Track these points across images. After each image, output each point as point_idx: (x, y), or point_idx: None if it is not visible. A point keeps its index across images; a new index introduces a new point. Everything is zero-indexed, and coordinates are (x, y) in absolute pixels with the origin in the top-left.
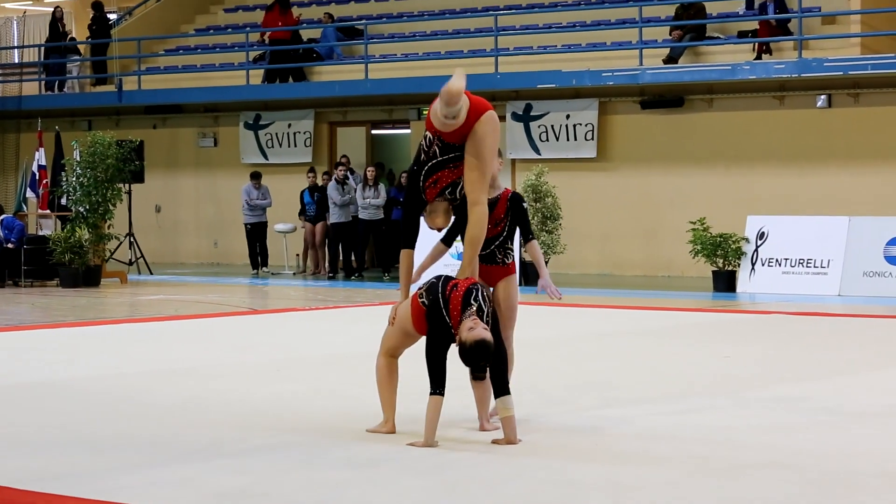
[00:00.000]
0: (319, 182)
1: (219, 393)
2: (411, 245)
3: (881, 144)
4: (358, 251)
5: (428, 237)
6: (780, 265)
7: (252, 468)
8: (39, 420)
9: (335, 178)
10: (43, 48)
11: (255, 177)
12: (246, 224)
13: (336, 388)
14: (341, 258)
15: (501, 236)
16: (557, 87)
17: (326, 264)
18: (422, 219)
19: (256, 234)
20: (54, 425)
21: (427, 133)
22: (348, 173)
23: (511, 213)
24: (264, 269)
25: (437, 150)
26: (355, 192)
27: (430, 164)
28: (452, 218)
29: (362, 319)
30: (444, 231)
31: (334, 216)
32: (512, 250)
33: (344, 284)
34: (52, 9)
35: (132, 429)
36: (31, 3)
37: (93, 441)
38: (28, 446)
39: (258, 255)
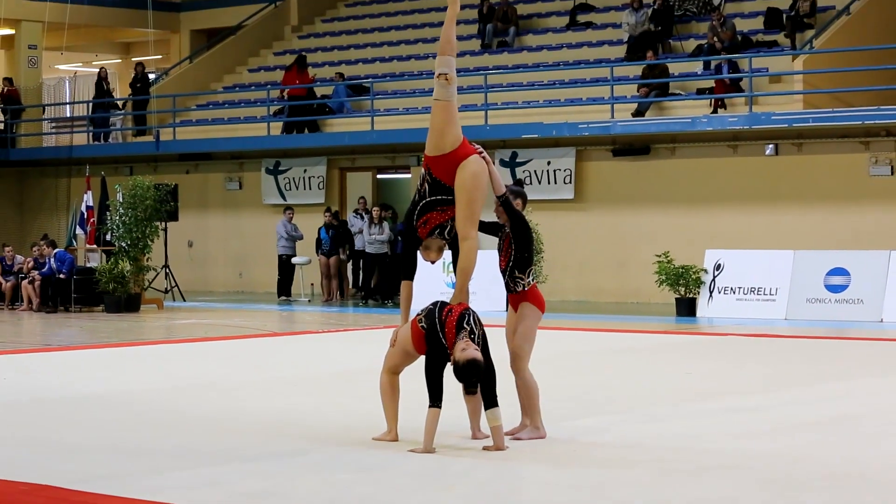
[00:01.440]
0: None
1: (242, 405)
2: (410, 277)
3: (821, 187)
4: (365, 281)
5: (425, 269)
6: (734, 293)
7: (272, 471)
8: (86, 428)
9: (369, 219)
10: (90, 104)
11: (287, 210)
12: (281, 255)
13: (345, 401)
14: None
15: (508, 266)
16: (539, 136)
17: (336, 292)
18: (419, 253)
19: (288, 265)
20: (99, 433)
21: (422, 170)
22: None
23: (512, 232)
24: (286, 297)
25: (427, 188)
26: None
27: (421, 204)
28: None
29: (368, 341)
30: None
31: (371, 248)
32: (521, 278)
33: (352, 310)
34: (98, 70)
35: (166, 436)
36: (80, 65)
37: (132, 447)
38: (76, 451)
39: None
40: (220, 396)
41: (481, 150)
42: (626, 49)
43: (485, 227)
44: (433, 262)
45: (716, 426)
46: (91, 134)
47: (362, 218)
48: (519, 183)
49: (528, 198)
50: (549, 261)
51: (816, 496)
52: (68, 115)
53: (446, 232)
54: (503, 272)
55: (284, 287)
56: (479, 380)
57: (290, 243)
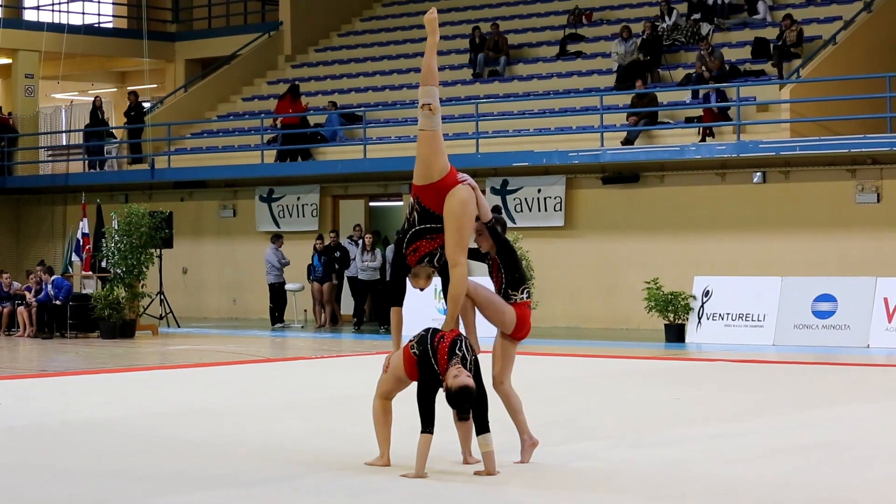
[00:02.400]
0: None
1: (237, 430)
2: (399, 303)
3: (808, 215)
4: (357, 307)
5: (417, 296)
6: (722, 319)
7: (266, 496)
8: (82, 454)
9: (361, 246)
10: (86, 132)
11: (278, 238)
12: (273, 284)
13: (338, 426)
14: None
15: (502, 288)
16: (530, 165)
17: (328, 318)
18: (408, 280)
19: (280, 292)
20: (95, 458)
21: (411, 199)
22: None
23: (498, 256)
24: (280, 324)
25: (417, 217)
26: (355, 256)
27: (410, 232)
28: (436, 279)
29: (361, 367)
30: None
31: (364, 275)
32: (515, 294)
33: (345, 336)
34: (94, 99)
35: (162, 462)
36: (76, 93)
37: (128, 472)
38: (72, 476)
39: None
40: (215, 422)
41: (466, 178)
42: (616, 78)
43: (472, 255)
44: (422, 290)
45: (704, 451)
46: (87, 162)
47: (356, 245)
48: (497, 209)
49: (519, 225)
50: (540, 287)
51: None
52: (64, 143)
53: (436, 259)
54: (498, 294)
55: (278, 314)
56: (471, 406)
57: (280, 271)
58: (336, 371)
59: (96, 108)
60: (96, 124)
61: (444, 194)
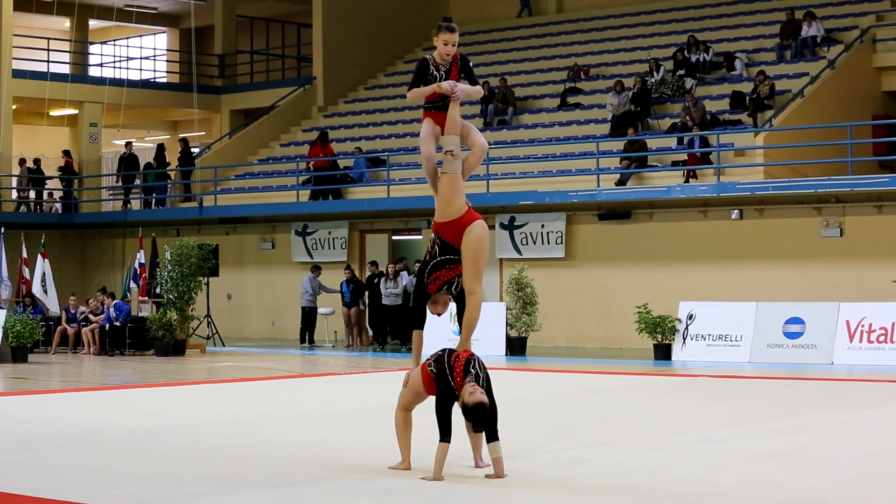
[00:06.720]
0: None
1: (274, 438)
2: (421, 327)
3: (780, 247)
4: (381, 330)
5: (433, 320)
6: (704, 339)
7: (299, 497)
8: (139, 458)
9: (384, 274)
10: (144, 174)
11: (317, 269)
12: (305, 307)
13: (364, 434)
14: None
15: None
16: (535, 203)
17: (356, 339)
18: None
19: (311, 316)
20: (150, 462)
21: (432, 235)
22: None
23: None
24: (311, 343)
25: (437, 250)
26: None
27: (431, 263)
28: (452, 305)
29: (385, 382)
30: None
31: (387, 300)
32: None
33: (371, 355)
34: (150, 145)
35: (207, 465)
36: (134, 140)
37: (178, 475)
38: (130, 478)
39: (307, 331)
40: (255, 431)
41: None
42: (610, 127)
43: None
44: (439, 315)
45: (689, 457)
46: (143, 200)
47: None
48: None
49: (525, 256)
50: (543, 311)
51: None
52: (133, 182)
53: (453, 287)
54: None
55: (308, 334)
56: (485, 420)
57: (313, 297)
58: (362, 386)
59: (160, 154)
60: (161, 165)
61: (462, 230)
